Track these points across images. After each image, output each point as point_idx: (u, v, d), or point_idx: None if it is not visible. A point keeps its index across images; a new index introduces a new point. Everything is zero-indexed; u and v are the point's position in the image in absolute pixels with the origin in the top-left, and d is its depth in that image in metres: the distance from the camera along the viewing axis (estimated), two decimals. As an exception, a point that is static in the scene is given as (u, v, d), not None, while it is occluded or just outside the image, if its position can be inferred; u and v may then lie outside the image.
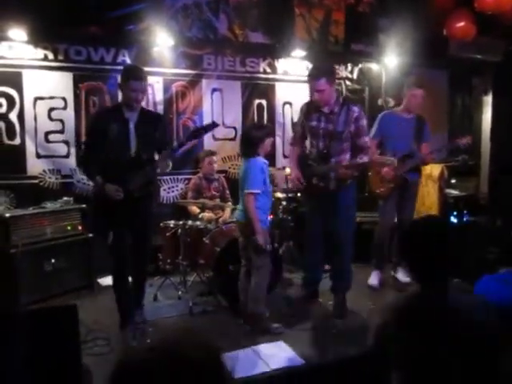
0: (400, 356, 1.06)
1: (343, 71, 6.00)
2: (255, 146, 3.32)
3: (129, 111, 3.28)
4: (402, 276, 4.45)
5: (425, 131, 4.34)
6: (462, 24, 5.09)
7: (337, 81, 5.18)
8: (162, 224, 4.28)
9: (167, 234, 4.23)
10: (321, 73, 3.53)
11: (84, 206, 4.35)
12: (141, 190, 3.26)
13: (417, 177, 4.42)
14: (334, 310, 3.79)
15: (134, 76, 3.21)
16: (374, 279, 4.39)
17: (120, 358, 0.86)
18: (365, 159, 3.61)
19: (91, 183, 3.63)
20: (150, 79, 5.00)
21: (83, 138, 4.71)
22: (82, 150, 3.49)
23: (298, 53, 5.51)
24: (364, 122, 3.64)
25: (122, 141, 3.23)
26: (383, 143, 4.36)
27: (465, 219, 5.04)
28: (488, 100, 6.45)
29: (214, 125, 3.27)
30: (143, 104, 3.51)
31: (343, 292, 3.81)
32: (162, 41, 4.81)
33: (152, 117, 3.49)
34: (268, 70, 5.65)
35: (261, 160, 3.35)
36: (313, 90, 3.58)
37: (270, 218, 3.62)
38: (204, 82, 5.33)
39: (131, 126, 3.27)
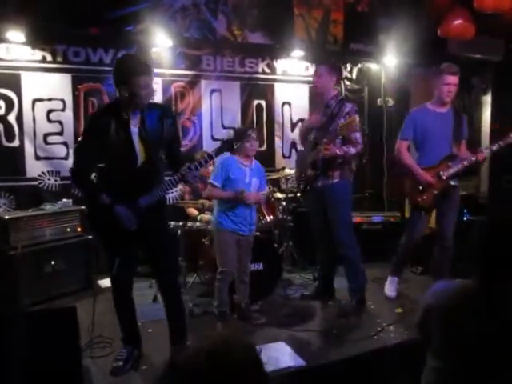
0: (437, 343, 1.07)
1: (342, 71, 5.99)
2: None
3: (131, 111, 2.68)
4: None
5: (463, 126, 3.86)
6: (461, 23, 5.08)
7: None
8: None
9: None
10: (323, 62, 3.94)
11: (83, 207, 4.33)
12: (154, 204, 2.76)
13: (458, 182, 3.92)
14: (340, 308, 3.80)
15: (144, 70, 2.61)
16: (391, 289, 4.08)
17: (168, 360, 0.89)
18: (351, 149, 3.63)
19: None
20: (149, 80, 5.01)
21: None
22: (74, 160, 2.79)
23: (297, 53, 5.49)
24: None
25: (125, 148, 2.66)
26: (418, 145, 3.92)
27: (465, 218, 5.02)
28: (487, 99, 6.44)
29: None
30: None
31: (356, 294, 3.78)
32: (161, 41, 4.79)
33: (159, 111, 2.80)
34: (267, 70, 5.65)
35: (229, 157, 3.42)
36: (314, 76, 3.86)
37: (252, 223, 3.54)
38: (203, 82, 5.33)
39: (134, 129, 2.69)
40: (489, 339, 0.98)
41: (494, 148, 3.71)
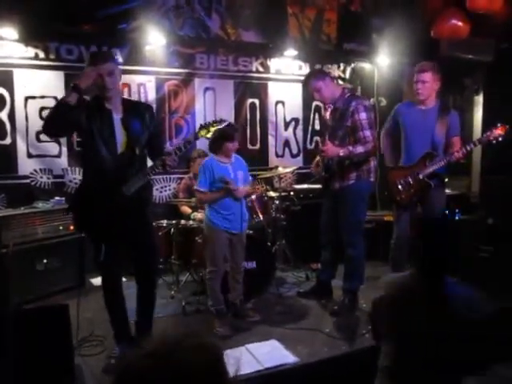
0: (389, 330, 1.13)
1: (335, 70, 6.00)
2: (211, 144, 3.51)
3: (109, 102, 2.84)
4: None
5: (452, 123, 3.71)
6: (455, 23, 5.11)
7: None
8: (154, 224, 4.26)
9: (160, 234, 4.23)
10: (311, 75, 3.83)
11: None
12: (137, 193, 2.86)
13: (440, 182, 3.77)
14: (333, 307, 3.81)
15: (102, 58, 2.79)
16: None
17: (119, 366, 0.85)
18: (359, 149, 3.52)
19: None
20: (143, 78, 5.01)
21: (74, 138, 4.69)
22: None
23: (291, 52, 5.51)
24: (362, 115, 3.54)
25: (107, 135, 2.80)
26: (402, 141, 3.86)
27: (456, 218, 5.06)
28: (479, 100, 6.48)
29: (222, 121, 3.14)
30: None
31: (348, 294, 3.79)
32: (155, 39, 4.79)
33: (139, 107, 3.02)
34: (260, 69, 5.65)
35: (208, 160, 3.50)
36: (312, 92, 3.77)
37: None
38: (196, 81, 5.32)
39: (116, 117, 2.84)
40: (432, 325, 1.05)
41: (469, 148, 3.58)
